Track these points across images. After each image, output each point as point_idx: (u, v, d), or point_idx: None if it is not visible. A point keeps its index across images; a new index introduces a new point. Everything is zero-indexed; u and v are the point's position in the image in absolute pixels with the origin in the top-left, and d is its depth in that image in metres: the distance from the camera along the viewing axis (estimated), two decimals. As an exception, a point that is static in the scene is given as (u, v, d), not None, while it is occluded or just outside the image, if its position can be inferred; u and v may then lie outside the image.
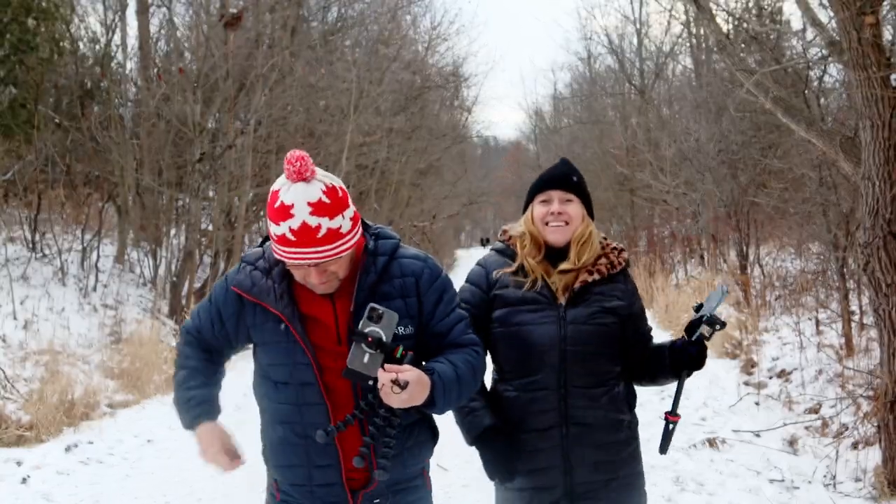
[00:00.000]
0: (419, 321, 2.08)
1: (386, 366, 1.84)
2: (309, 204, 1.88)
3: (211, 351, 2.19)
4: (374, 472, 1.89)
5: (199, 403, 2.07)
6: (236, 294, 2.07)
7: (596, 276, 2.40)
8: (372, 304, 1.89)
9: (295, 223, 1.87)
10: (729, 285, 2.51)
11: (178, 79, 11.31)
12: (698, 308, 2.38)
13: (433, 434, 2.19)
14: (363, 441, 1.88)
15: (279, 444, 2.08)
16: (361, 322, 1.87)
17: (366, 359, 1.83)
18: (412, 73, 21.09)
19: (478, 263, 2.52)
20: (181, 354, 2.20)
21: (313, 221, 1.88)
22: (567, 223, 2.42)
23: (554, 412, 2.33)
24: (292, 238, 1.88)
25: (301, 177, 1.89)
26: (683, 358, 2.33)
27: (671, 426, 2.38)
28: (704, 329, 2.31)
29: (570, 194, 2.45)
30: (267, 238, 2.17)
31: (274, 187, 1.94)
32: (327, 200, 1.90)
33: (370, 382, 1.83)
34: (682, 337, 2.37)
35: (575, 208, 2.44)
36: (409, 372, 1.85)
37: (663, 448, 2.41)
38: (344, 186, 2.00)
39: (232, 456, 2.02)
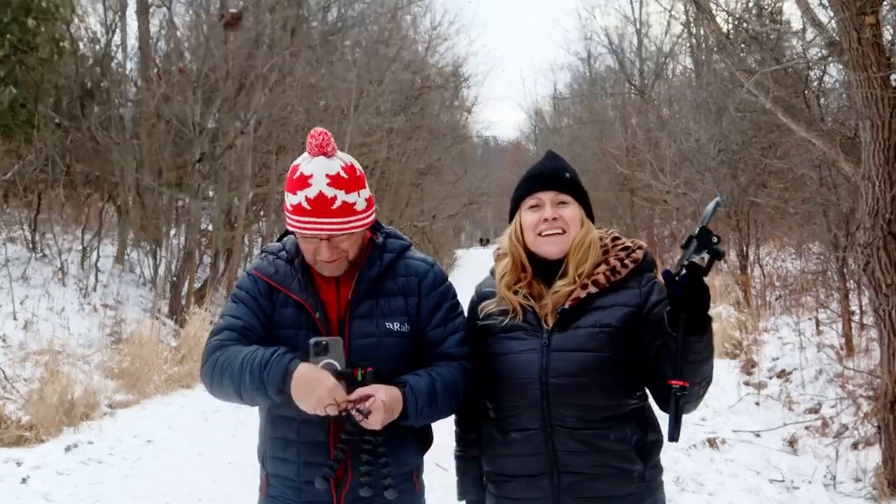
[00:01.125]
0: (416, 322, 2.08)
1: (355, 393, 1.85)
2: (327, 176, 1.93)
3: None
4: (384, 492, 1.92)
5: (287, 350, 1.91)
6: (262, 280, 2.09)
7: (592, 290, 1.97)
8: (313, 339, 1.91)
9: (311, 192, 1.92)
10: (721, 198, 2.03)
11: (178, 79, 11.31)
12: (687, 243, 1.81)
13: (424, 439, 2.17)
14: (361, 471, 1.91)
15: (275, 438, 2.08)
16: (311, 360, 1.88)
17: None
18: (412, 73, 21.09)
19: (475, 290, 2.22)
20: (229, 350, 1.96)
21: (330, 192, 1.92)
22: (564, 231, 2.01)
23: (540, 457, 1.97)
24: (308, 207, 1.92)
25: (322, 151, 1.95)
26: (674, 297, 1.78)
27: (678, 394, 1.80)
28: (696, 257, 1.77)
29: (564, 195, 2.04)
30: (286, 233, 2.20)
31: (295, 162, 1.99)
32: (345, 176, 1.96)
33: (345, 413, 1.84)
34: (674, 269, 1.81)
35: (572, 211, 2.03)
36: (378, 396, 1.86)
37: (673, 431, 1.82)
38: (363, 170, 2.04)
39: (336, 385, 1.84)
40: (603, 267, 2.01)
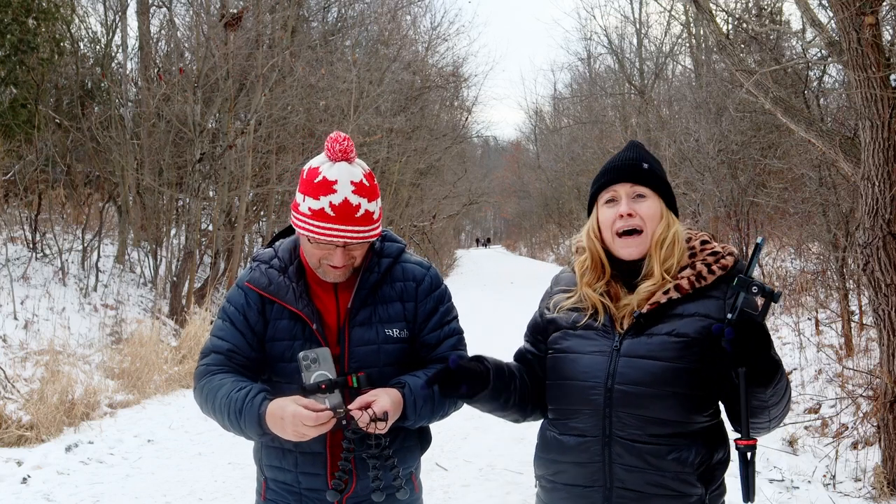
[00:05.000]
0: (414, 326, 2.08)
1: (357, 402, 1.84)
2: (352, 183, 1.90)
3: (243, 374, 2.04)
4: (397, 493, 1.92)
5: (260, 390, 1.91)
6: (254, 292, 2.06)
7: (674, 295, 1.81)
8: (301, 353, 1.89)
9: (337, 199, 1.88)
10: (764, 237, 1.92)
11: (179, 79, 11.32)
12: (733, 292, 1.74)
13: (422, 440, 2.17)
14: (371, 475, 1.89)
15: (271, 447, 2.08)
16: (303, 375, 1.87)
17: (327, 403, 1.85)
18: (412, 73, 21.12)
19: (552, 281, 2.10)
20: (211, 378, 1.98)
21: (355, 200, 1.90)
22: (640, 230, 1.86)
23: (594, 467, 1.83)
24: (331, 213, 1.89)
25: (345, 156, 1.92)
26: (726, 353, 1.68)
27: (749, 455, 1.72)
28: (741, 300, 1.69)
29: (640, 187, 1.87)
30: (275, 239, 2.18)
31: (311, 164, 1.95)
32: (367, 184, 1.94)
33: (343, 421, 1.84)
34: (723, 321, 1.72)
35: (650, 206, 1.86)
36: (381, 399, 1.85)
37: (746, 493, 1.73)
38: None
39: (316, 408, 1.81)
40: (688, 271, 1.84)
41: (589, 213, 1.98)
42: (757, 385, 1.69)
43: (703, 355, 1.78)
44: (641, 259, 1.88)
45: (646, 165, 1.89)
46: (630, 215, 1.85)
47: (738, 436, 1.75)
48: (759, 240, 1.79)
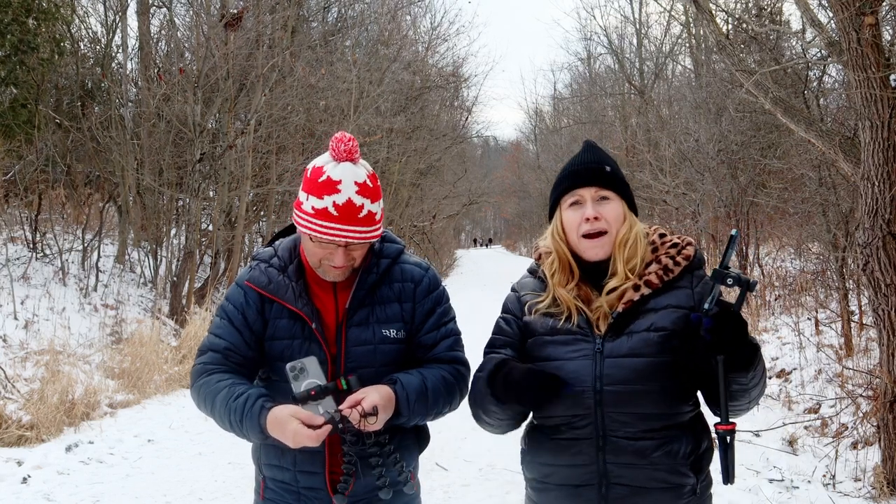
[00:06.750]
0: (411, 327, 2.09)
1: (347, 402, 1.85)
2: (356, 183, 1.92)
3: (239, 372, 2.05)
4: (403, 487, 1.94)
5: (257, 397, 1.91)
6: (254, 291, 2.07)
7: (645, 291, 1.86)
8: (288, 365, 1.90)
9: (340, 199, 1.90)
10: (739, 229, 1.96)
11: (179, 79, 11.32)
12: (710, 281, 1.78)
13: (420, 439, 2.18)
14: (376, 473, 1.89)
15: (270, 445, 2.06)
16: (293, 385, 1.88)
17: (321, 410, 1.86)
18: (412, 73, 21.14)
19: (511, 288, 2.10)
20: (208, 379, 1.99)
21: (358, 200, 1.91)
22: (605, 231, 1.89)
23: (589, 468, 1.86)
24: (335, 213, 1.90)
25: (350, 157, 1.93)
26: (704, 342, 1.74)
27: (728, 439, 1.77)
28: (717, 290, 1.74)
29: (605, 190, 1.91)
30: (275, 238, 2.19)
31: (315, 164, 1.96)
32: (370, 185, 1.95)
33: (340, 425, 1.84)
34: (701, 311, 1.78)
35: (614, 208, 1.91)
36: (370, 396, 1.86)
37: (726, 475, 1.78)
38: None
39: (313, 421, 1.82)
40: (655, 266, 1.89)
41: (551, 217, 2.00)
42: (738, 370, 1.75)
43: (682, 344, 1.82)
44: (607, 259, 1.92)
45: (608, 168, 1.93)
46: (596, 218, 1.89)
47: (718, 420, 1.79)
48: (733, 231, 1.82)
